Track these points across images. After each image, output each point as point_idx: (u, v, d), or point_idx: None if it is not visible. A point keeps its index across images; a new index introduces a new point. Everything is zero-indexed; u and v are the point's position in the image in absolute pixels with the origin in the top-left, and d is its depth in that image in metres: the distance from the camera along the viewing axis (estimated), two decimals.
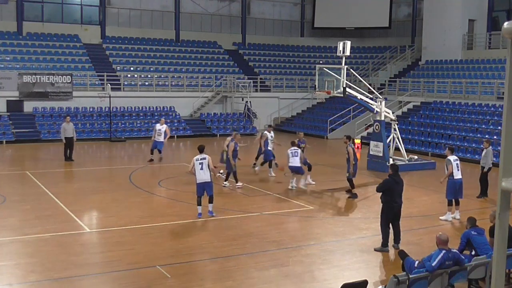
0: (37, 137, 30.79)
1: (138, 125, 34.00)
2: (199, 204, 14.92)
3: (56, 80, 33.64)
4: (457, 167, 15.41)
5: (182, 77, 38.56)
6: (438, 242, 9.48)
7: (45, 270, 10.94)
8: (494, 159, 18.68)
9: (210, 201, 15.12)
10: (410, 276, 8.71)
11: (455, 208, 15.43)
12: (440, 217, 15.44)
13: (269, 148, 21.58)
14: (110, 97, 31.84)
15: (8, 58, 35.58)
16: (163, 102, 36.37)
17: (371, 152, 23.66)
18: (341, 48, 22.50)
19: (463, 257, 9.50)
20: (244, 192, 18.41)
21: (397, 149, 24.24)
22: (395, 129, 24.03)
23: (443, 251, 9.20)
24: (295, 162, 18.64)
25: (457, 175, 15.36)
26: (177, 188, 18.59)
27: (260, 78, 40.82)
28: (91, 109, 34.13)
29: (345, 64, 22.74)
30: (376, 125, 23.65)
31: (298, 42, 47.03)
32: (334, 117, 35.51)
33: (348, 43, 22.40)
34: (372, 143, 23.81)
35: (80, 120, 33.09)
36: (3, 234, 13.40)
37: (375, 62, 42.98)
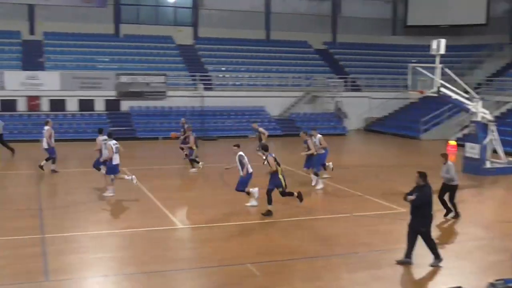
0: (133, 135, 31.90)
1: (229, 124, 34.48)
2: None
3: (151, 80, 34.75)
4: None
5: (272, 76, 38.77)
6: None
7: (139, 264, 11.29)
8: None
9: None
10: (508, 284, 8.29)
11: None
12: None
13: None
14: (202, 96, 32.52)
15: (107, 59, 37.13)
16: (253, 101, 36.70)
17: (466, 154, 22.79)
18: (435, 47, 21.90)
19: None
20: (334, 192, 18.25)
21: (495, 151, 23.23)
22: (493, 131, 23.02)
23: None
24: None
25: None
26: (265, 187, 18.65)
27: (351, 78, 40.36)
28: (183, 108, 34.99)
29: (439, 63, 22.09)
30: (472, 126, 22.77)
31: (390, 40, 46.09)
32: (428, 117, 34.48)
33: (443, 41, 21.78)
34: (467, 145, 22.92)
35: (174, 119, 33.96)
36: (101, 227, 13.99)
37: (471, 61, 41.40)
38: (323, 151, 19.52)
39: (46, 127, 21.28)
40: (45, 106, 33.24)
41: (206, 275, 10.88)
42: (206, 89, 34.78)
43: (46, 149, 21.21)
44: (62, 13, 38.30)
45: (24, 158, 21.36)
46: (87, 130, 31.22)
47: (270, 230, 13.92)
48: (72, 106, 33.67)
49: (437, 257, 11.40)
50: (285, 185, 15.19)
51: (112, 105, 34.27)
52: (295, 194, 15.52)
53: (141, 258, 11.65)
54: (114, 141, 17.41)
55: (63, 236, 13.07)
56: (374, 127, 37.81)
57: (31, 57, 35.49)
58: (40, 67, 34.71)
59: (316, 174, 19.00)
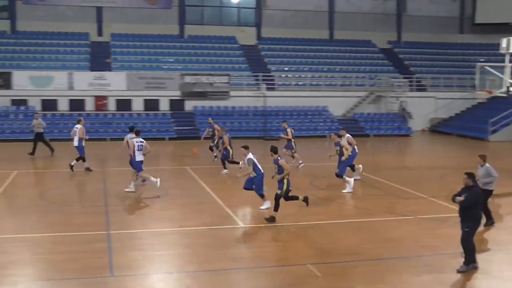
0: (196, 135, 32.29)
1: (292, 124, 34.34)
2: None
3: (214, 80, 35.14)
4: None
5: (335, 76, 38.49)
6: None
7: (201, 262, 11.41)
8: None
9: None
10: None
11: None
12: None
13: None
14: (265, 96, 32.62)
15: (171, 60, 37.80)
16: (316, 101, 36.55)
17: None
18: (504, 45, 21.29)
19: None
20: (397, 194, 17.94)
21: None
22: None
23: None
24: None
25: None
26: (328, 188, 18.55)
27: (416, 77, 39.58)
28: (246, 108, 35.20)
29: (509, 62, 21.40)
30: None
31: (457, 39, 44.95)
32: (496, 118, 33.36)
33: None
34: None
35: (236, 118, 34.23)
36: (164, 225, 14.23)
37: None
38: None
39: (79, 126, 21.08)
40: (111, 105, 34.13)
41: (266, 274, 10.89)
42: (268, 89, 34.88)
43: (76, 147, 21.09)
44: (129, 15, 39.30)
45: (90, 156, 21.95)
46: (152, 130, 31.92)
47: (330, 230, 13.79)
48: (137, 105, 34.45)
49: (473, 261, 10.78)
50: (285, 191, 14.36)
51: (176, 105, 34.87)
52: (301, 198, 14.71)
53: (202, 256, 11.77)
54: (140, 139, 17.68)
55: (127, 232, 13.38)
56: (440, 128, 36.93)
57: (99, 58, 36.53)
58: (107, 67, 35.68)
59: (340, 176, 18.27)
